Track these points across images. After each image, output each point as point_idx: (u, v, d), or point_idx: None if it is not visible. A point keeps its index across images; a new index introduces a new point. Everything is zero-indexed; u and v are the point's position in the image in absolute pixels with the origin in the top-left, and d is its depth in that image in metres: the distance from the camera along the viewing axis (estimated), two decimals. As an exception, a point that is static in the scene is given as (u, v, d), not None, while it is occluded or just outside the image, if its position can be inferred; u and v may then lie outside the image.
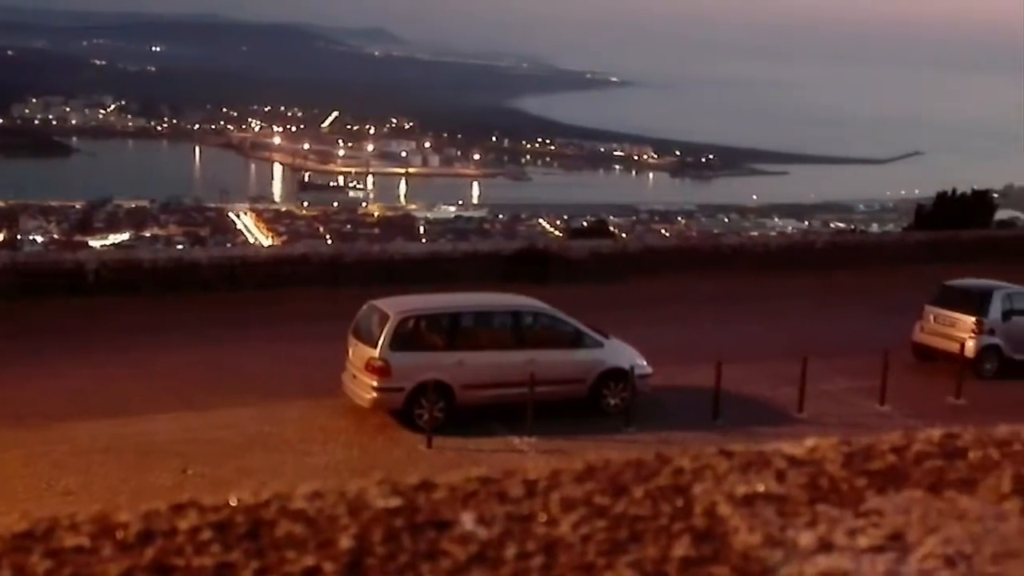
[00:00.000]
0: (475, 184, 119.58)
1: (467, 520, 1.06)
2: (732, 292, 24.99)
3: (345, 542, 1.01)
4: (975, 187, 37.96)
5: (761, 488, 1.11)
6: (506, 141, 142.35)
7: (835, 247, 28.99)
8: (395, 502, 1.10)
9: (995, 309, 19.86)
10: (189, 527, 1.06)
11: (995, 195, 42.95)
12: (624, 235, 47.98)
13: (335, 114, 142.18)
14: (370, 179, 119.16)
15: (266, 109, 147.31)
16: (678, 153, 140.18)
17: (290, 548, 1.00)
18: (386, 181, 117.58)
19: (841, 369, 18.75)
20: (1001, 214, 42.75)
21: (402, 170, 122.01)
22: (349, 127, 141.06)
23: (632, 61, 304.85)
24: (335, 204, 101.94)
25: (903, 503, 1.07)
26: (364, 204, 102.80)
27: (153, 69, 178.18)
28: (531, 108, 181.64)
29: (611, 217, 72.11)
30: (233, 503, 1.10)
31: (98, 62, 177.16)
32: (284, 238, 74.05)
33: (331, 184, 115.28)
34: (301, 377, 17.19)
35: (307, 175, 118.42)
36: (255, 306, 21.78)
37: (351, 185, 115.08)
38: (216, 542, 1.04)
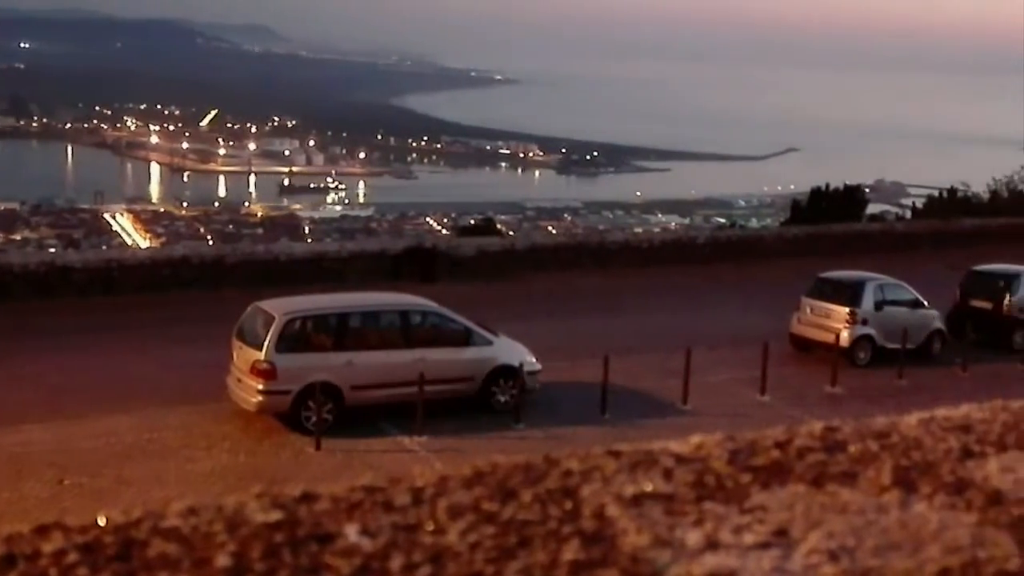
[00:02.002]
0: (361, 183, 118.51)
1: (351, 532, 1.02)
2: (618, 288, 25.35)
3: (222, 560, 0.97)
4: (847, 182, 39.34)
5: (649, 488, 1.11)
6: (392, 139, 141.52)
7: (716, 242, 29.68)
8: (275, 516, 1.06)
9: (867, 300, 20.59)
10: (54, 550, 1.00)
11: (866, 190, 44.57)
12: (511, 233, 48.20)
13: (214, 112, 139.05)
14: (252, 178, 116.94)
15: (142, 107, 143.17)
16: (564, 151, 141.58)
17: (163, 569, 0.96)
18: (269, 180, 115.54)
19: (724, 361, 19.21)
20: (872, 208, 44.42)
21: (285, 169, 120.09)
22: (230, 126, 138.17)
23: (517, 59, 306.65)
24: (216, 204, 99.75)
25: (787, 498, 1.08)
26: (246, 204, 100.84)
27: (22, 66, 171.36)
28: (416, 106, 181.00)
29: (498, 215, 72.34)
30: (101, 523, 1.04)
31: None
32: (163, 239, 72.04)
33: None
34: (183, 382, 16.75)
35: (221, 178, 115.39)
36: (133, 310, 21.13)
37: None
38: (83, 565, 0.98)
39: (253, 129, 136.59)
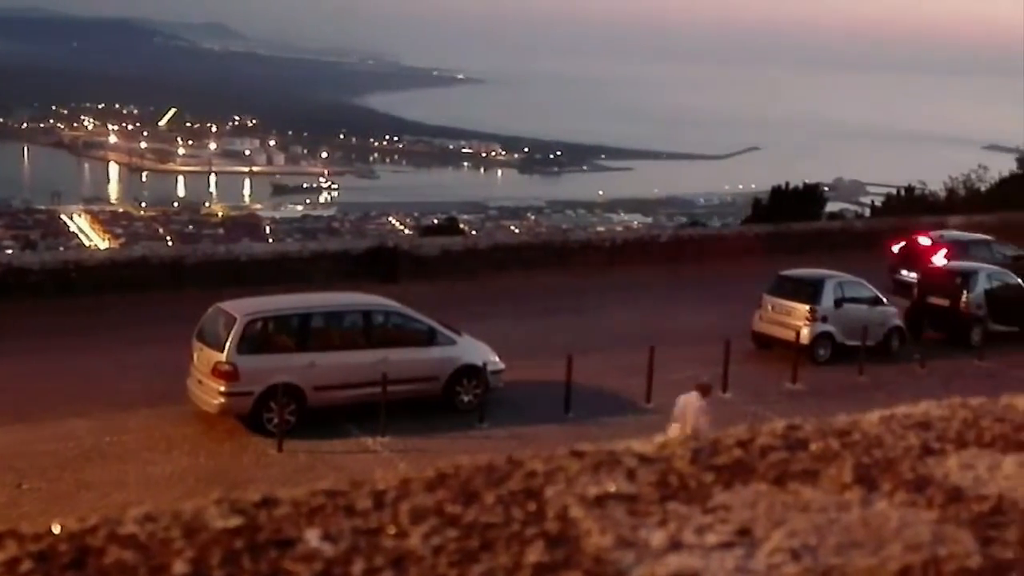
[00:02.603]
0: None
1: (312, 537, 1.01)
2: (581, 287, 25.41)
3: (180, 567, 0.95)
4: (807, 181, 39.72)
5: (612, 488, 1.11)
6: (354, 139, 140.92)
7: (678, 241, 29.83)
8: (235, 521, 1.04)
9: (827, 297, 20.79)
10: (7, 559, 0.98)
11: (825, 188, 45.05)
12: (474, 232, 48.17)
13: (173, 111, 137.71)
14: (212, 178, 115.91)
15: (99, 107, 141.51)
16: (526, 150, 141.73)
17: (119, 577, 0.94)
18: (229, 180, 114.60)
19: (686, 358, 19.28)
20: (831, 207, 44.89)
21: (246, 169, 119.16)
22: (189, 125, 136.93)
23: (480, 59, 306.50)
24: (175, 204, 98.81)
25: (750, 497, 1.08)
26: (206, 204, 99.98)
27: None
28: (378, 105, 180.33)
29: (461, 215, 72.27)
30: (56, 530, 1.02)
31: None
32: (122, 240, 71.23)
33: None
34: (143, 384, 16.56)
35: (180, 178, 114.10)
36: (92, 312, 20.86)
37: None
38: (37, 573, 0.96)
39: (213, 128, 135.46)
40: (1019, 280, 22.84)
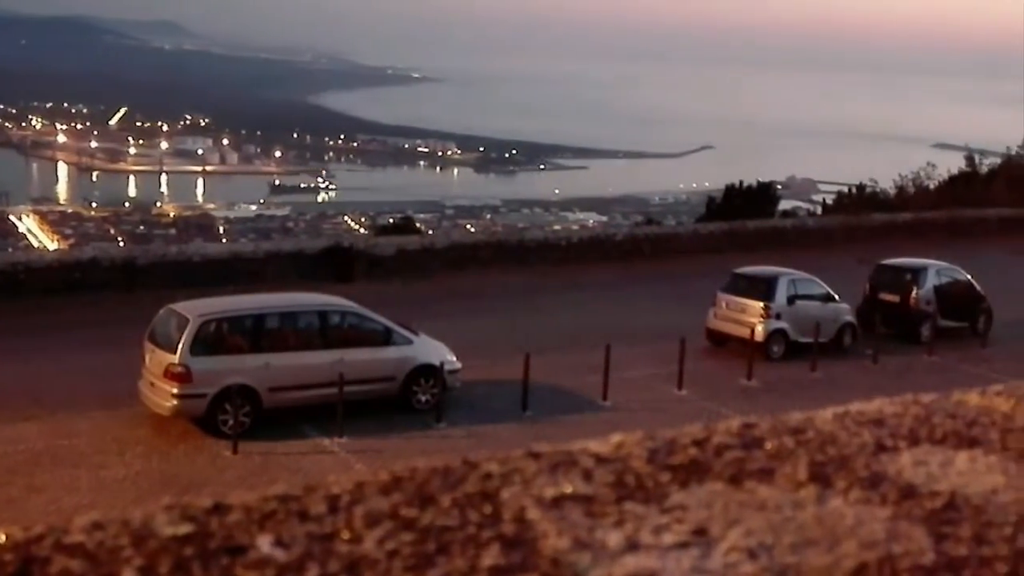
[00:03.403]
0: (277, 181, 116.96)
1: (264, 543, 0.99)
2: (538, 285, 25.45)
3: (128, 577, 0.93)
4: (760, 179, 40.09)
5: (569, 489, 1.10)
6: (308, 138, 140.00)
7: (634, 239, 29.96)
8: (185, 528, 1.02)
9: (781, 294, 21.00)
10: (-52, 571, 0.95)
11: (778, 186, 45.49)
12: (430, 231, 48.05)
13: (123, 110, 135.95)
14: (164, 177, 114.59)
15: (48, 106, 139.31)
16: (482, 149, 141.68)
17: (65, 587, 0.91)
18: (182, 180, 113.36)
19: (642, 356, 19.40)
20: (784, 205, 45.33)
21: (198, 168, 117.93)
22: (140, 124, 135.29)
23: (435, 58, 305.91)
24: (126, 204, 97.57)
25: (706, 497, 1.08)
26: (158, 204, 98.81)
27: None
28: (332, 104, 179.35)
29: (417, 214, 72.04)
30: (1, 539, 1.00)
31: None
32: (71, 241, 70.18)
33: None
34: (94, 387, 16.33)
35: (131, 178, 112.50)
36: (42, 314, 20.53)
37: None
38: (-20, 586, 0.93)
39: (164, 128, 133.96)
40: (968, 276, 23.22)
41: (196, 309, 15.70)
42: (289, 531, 1.02)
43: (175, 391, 14.98)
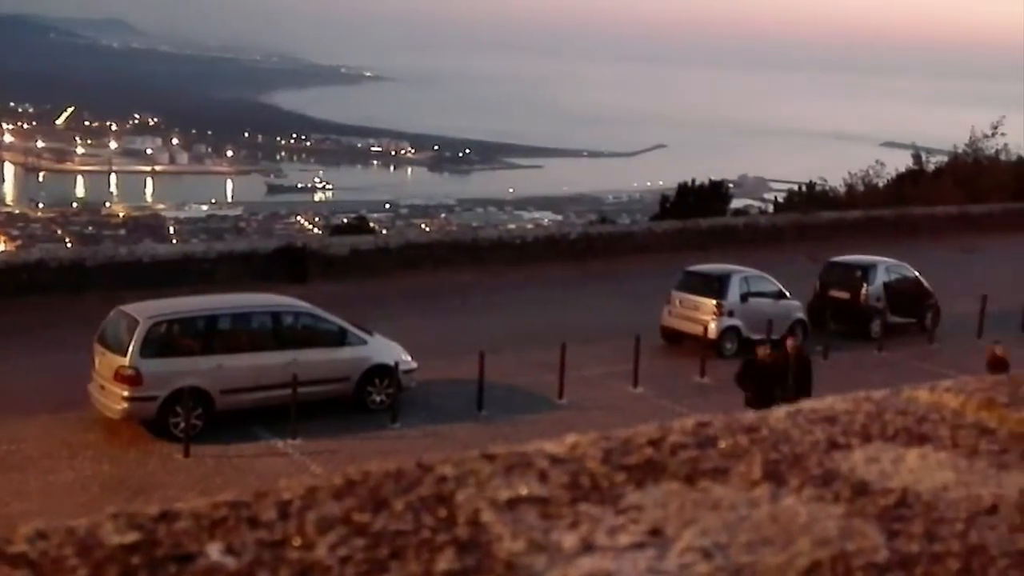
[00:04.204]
0: (228, 181, 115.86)
1: (213, 551, 0.97)
2: (493, 285, 25.45)
3: (73, 587, 0.91)
4: (712, 178, 40.42)
5: (524, 491, 1.09)
6: (259, 137, 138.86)
7: (588, 238, 30.06)
8: (132, 537, 1.00)
9: (733, 292, 21.18)
10: None
11: (730, 185, 45.90)
12: (385, 231, 47.86)
13: (71, 110, 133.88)
14: (113, 177, 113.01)
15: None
16: (436, 148, 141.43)
17: (7, 600, 0.89)
18: (131, 180, 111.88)
19: (597, 355, 19.47)
20: (736, 203, 45.75)
21: (148, 168, 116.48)
22: (88, 124, 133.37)
23: (388, 56, 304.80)
24: (74, 205, 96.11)
25: (661, 497, 1.08)
26: (106, 204, 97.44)
27: None
28: (284, 103, 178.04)
29: (371, 213, 71.72)
30: (-61, 552, 0.97)
31: None
32: (18, 242, 68.99)
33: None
34: (43, 390, 16.05)
35: (79, 178, 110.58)
36: (-13, 317, 20.15)
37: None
38: (-82, 600, 0.90)
39: (113, 127, 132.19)
40: (916, 273, 23.58)
41: (146, 311, 15.51)
42: (239, 538, 1.00)
43: (125, 394, 14.79)
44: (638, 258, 28.54)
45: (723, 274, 21.67)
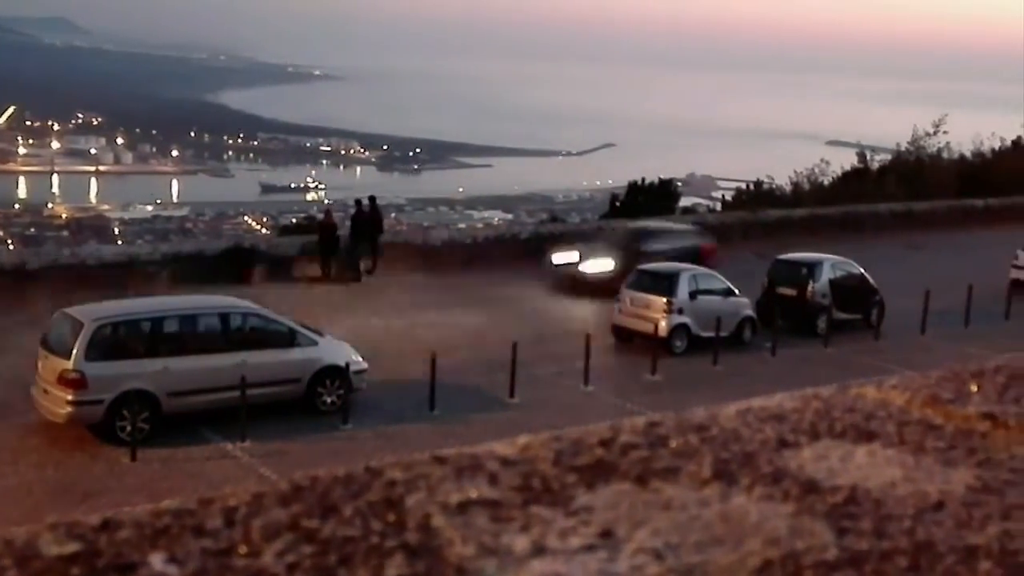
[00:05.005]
0: (174, 182, 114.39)
1: (156, 560, 0.95)
2: (444, 284, 25.39)
3: (9, 601, 0.88)
4: (661, 176, 40.69)
5: (474, 494, 1.08)
6: (206, 136, 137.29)
7: (539, 237, 30.08)
8: (72, 547, 0.97)
9: (682, 290, 21.34)
10: None
11: (679, 184, 46.22)
12: (333, 231, 47.39)
13: (12, 109, 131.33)
14: (55, 178, 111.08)
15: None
16: (386, 147, 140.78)
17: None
18: (74, 180, 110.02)
19: (549, 353, 19.52)
20: (684, 201, 46.09)
21: (92, 168, 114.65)
22: (30, 123, 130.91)
23: (336, 55, 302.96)
24: (16, 206, 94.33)
25: (612, 497, 1.08)
26: (49, 205, 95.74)
27: None
28: (231, 102, 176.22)
29: (320, 213, 71.15)
30: None
31: None
32: (-42, 245, 67.54)
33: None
34: (-16, 396, 15.73)
35: (21, 179, 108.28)
36: (-74, 321, 19.70)
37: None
38: None
39: (55, 127, 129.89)
40: (862, 270, 23.92)
41: (91, 313, 15.28)
42: (183, 547, 0.98)
43: (70, 398, 14.56)
44: (588, 257, 28.56)
45: (673, 272, 21.82)
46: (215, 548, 0.97)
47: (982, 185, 39.56)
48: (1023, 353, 1.67)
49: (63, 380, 14.60)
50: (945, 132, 41.92)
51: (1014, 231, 30.65)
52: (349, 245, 25.73)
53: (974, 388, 1.43)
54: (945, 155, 42.67)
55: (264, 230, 69.81)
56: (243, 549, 0.97)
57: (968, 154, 43.75)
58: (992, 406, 1.36)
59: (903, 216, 36.07)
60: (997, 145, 44.53)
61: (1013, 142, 45.07)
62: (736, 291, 22.03)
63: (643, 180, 39.22)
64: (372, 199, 26.92)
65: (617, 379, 18.87)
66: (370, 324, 20.63)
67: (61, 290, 19.89)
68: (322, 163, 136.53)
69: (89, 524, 1.01)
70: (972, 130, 44.08)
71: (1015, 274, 27.23)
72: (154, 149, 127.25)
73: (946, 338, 22.11)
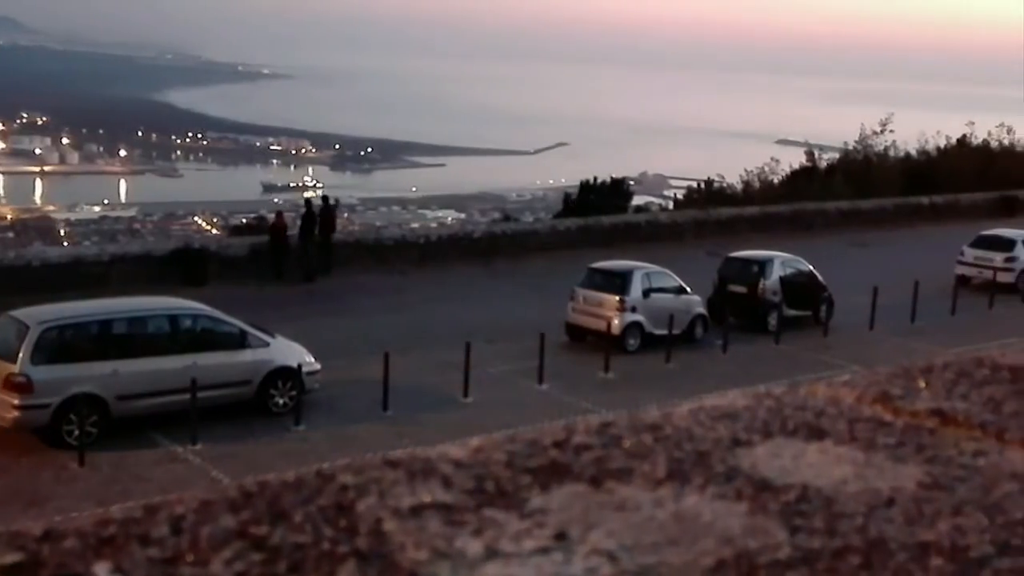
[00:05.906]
0: (122, 182, 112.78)
1: (101, 571, 0.93)
2: (397, 284, 25.30)
3: (-53, 616, 0.86)
4: (613, 176, 40.87)
5: (427, 498, 1.07)
6: (153, 136, 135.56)
7: (492, 236, 30.08)
8: (13, 558, 0.95)
9: (636, 288, 21.45)
10: None
11: (631, 182, 46.45)
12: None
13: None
14: None
15: None
16: (337, 147, 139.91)
17: None
18: (18, 181, 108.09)
19: (503, 352, 19.53)
20: (637, 200, 46.34)
21: (36, 168, 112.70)
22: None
23: (285, 54, 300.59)
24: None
25: (566, 499, 1.07)
26: None
27: None
28: (178, 101, 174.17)
29: (271, 213, 70.53)
30: None
31: None
32: (-102, 247, 66.00)
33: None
34: (-74, 402, 15.37)
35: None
36: None
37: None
38: None
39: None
40: (811, 267, 24.20)
41: (37, 316, 15.03)
42: (129, 556, 0.96)
43: (16, 402, 14.32)
44: (542, 256, 28.69)
45: (625, 270, 21.92)
46: (161, 557, 0.96)
47: (927, 183, 40.21)
48: (970, 348, 1.70)
49: (8, 384, 14.35)
50: (891, 131, 42.56)
51: (959, 228, 31.21)
52: (300, 245, 25.55)
53: (923, 384, 1.44)
54: (891, 153, 43.31)
55: (214, 231, 69.09)
56: (190, 558, 0.95)
57: (914, 152, 44.44)
58: (941, 402, 1.37)
59: (851, 214, 36.56)
60: (942, 143, 45.29)
61: (958, 140, 45.86)
62: (688, 289, 22.19)
63: (595, 179, 39.36)
64: (325, 199, 26.78)
65: (571, 377, 18.92)
66: (322, 324, 20.49)
67: (5, 292, 19.52)
68: (272, 163, 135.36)
69: (32, 534, 0.99)
70: (917, 129, 44.79)
71: (961, 270, 27.73)
72: (101, 149, 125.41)
73: (894, 333, 22.45)
